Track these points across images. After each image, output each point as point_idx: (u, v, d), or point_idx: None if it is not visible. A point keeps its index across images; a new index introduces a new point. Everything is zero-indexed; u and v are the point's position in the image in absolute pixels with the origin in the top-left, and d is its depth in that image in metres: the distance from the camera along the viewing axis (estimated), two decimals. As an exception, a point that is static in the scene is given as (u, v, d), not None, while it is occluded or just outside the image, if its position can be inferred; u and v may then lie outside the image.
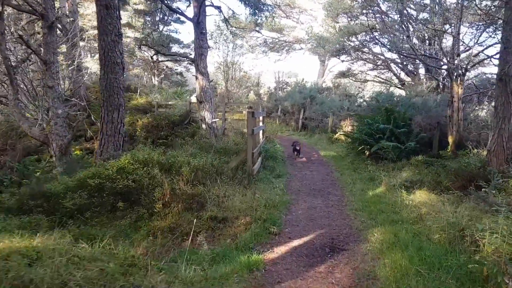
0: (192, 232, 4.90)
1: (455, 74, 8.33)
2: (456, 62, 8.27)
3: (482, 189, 6.07)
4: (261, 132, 9.97)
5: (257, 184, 7.08)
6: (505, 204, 5.62)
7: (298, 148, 11.43)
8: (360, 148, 10.30)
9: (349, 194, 7.17)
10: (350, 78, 23.83)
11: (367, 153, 10.16)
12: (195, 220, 5.16)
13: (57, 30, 12.34)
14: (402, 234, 4.81)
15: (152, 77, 34.45)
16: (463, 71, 8.23)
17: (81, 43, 18.45)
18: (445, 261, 3.93)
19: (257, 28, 29.49)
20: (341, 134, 13.33)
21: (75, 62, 14.37)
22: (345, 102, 17.72)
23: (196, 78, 13.60)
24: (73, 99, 13.89)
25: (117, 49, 8.07)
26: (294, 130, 18.77)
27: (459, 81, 8.29)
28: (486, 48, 8.31)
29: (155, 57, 21.46)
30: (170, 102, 19.83)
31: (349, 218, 5.77)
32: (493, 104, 12.30)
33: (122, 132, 8.25)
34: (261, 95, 27.69)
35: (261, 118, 10.00)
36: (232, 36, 26.00)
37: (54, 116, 9.02)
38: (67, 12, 18.70)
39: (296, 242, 4.76)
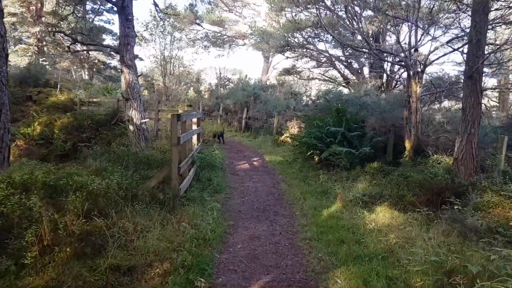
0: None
1: (412, 71, 7.43)
2: (413, 57, 7.37)
3: (455, 207, 5.13)
4: (195, 137, 8.42)
5: (186, 206, 5.53)
6: (485, 227, 4.69)
7: (221, 135, 14.15)
8: (309, 153, 9.15)
9: (300, 214, 5.89)
10: (295, 75, 22.93)
11: (317, 158, 9.05)
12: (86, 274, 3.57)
13: None
14: (374, 280, 3.60)
15: (82, 71, 31.30)
16: (421, 67, 7.35)
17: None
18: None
19: (197, 21, 27.69)
20: (287, 137, 12.16)
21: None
22: (291, 101, 16.66)
23: (122, 71, 11.60)
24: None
25: (-4, 30, 6.06)
26: (237, 131, 17.35)
27: (417, 79, 7.40)
28: (451, 40, 7.46)
29: (77, 47, 18.73)
30: (95, 99, 17.46)
31: (302, 253, 4.46)
32: (445, 104, 11.91)
33: (7, 141, 6.25)
34: (201, 92, 25.84)
35: (195, 120, 8.44)
36: (169, 27, 23.98)
37: None
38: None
39: (232, 304, 3.34)
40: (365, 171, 7.63)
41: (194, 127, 8.31)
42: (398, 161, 7.89)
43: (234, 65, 54.73)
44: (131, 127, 11.24)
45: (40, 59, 24.63)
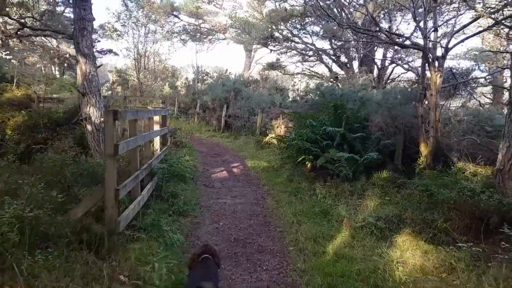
0: None
1: (431, 56, 5.91)
2: (432, 39, 5.86)
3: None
4: (157, 140, 6.71)
5: (133, 243, 3.81)
6: None
7: None
8: (300, 158, 7.55)
9: (294, 250, 4.23)
10: (279, 70, 21.33)
11: (309, 165, 7.46)
12: None
13: None
14: None
15: (52, 66, 29.14)
16: (443, 51, 5.85)
17: None
18: None
19: (175, 12, 25.76)
20: (273, 138, 10.53)
21: None
22: (277, 96, 15.02)
23: (77, 61, 9.62)
24: None
25: None
26: (216, 131, 15.58)
27: (437, 66, 5.89)
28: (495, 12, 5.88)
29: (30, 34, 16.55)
30: (55, 95, 15.50)
31: (305, 329, 2.84)
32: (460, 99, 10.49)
33: None
34: (177, 87, 23.86)
35: (157, 118, 6.71)
36: (143, 19, 22.05)
37: None
38: None
39: None
40: (373, 182, 6.08)
41: (157, 127, 6.58)
42: (410, 169, 6.39)
43: (215, 63, 52.83)
44: (89, 127, 9.36)
45: (4, 53, 22.36)
